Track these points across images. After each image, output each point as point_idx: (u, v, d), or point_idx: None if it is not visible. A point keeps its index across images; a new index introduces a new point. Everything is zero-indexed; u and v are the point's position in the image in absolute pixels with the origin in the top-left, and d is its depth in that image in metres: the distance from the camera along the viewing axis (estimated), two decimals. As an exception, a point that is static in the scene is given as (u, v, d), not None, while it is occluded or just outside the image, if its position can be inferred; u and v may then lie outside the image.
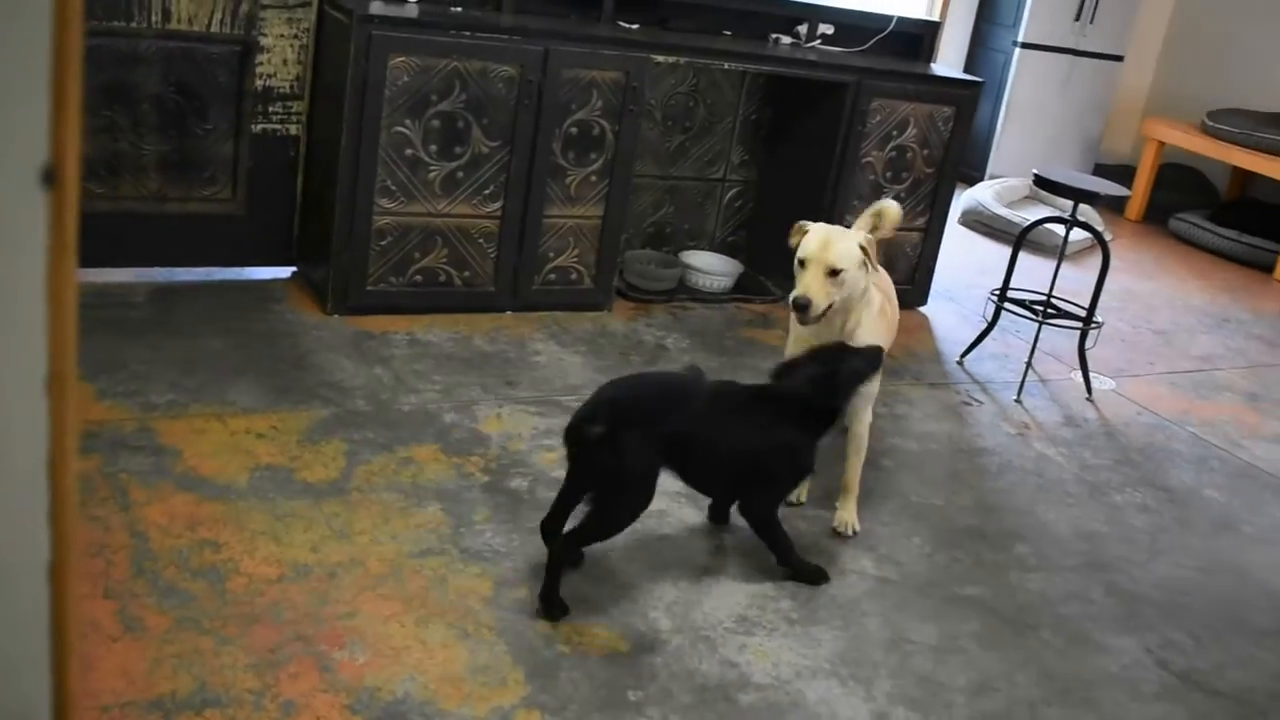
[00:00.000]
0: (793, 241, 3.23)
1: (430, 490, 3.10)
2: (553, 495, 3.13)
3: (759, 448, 2.90)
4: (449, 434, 3.40)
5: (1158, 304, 6.00)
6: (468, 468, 3.24)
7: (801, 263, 3.15)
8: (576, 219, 4.29)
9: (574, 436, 2.73)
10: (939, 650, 2.83)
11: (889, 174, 4.85)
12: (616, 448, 2.66)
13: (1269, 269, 6.98)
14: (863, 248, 3.15)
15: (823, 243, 3.13)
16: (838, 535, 3.25)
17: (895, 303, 3.49)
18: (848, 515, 3.28)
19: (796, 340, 3.29)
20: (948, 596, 3.06)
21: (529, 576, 2.80)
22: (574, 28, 4.25)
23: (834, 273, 3.10)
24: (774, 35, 4.79)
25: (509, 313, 4.29)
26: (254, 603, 2.55)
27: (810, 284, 3.10)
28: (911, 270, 5.08)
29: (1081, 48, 7.84)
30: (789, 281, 4.85)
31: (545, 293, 4.34)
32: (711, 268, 4.88)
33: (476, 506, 3.06)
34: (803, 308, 3.10)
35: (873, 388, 3.23)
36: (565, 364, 3.98)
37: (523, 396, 3.70)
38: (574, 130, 4.17)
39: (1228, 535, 3.68)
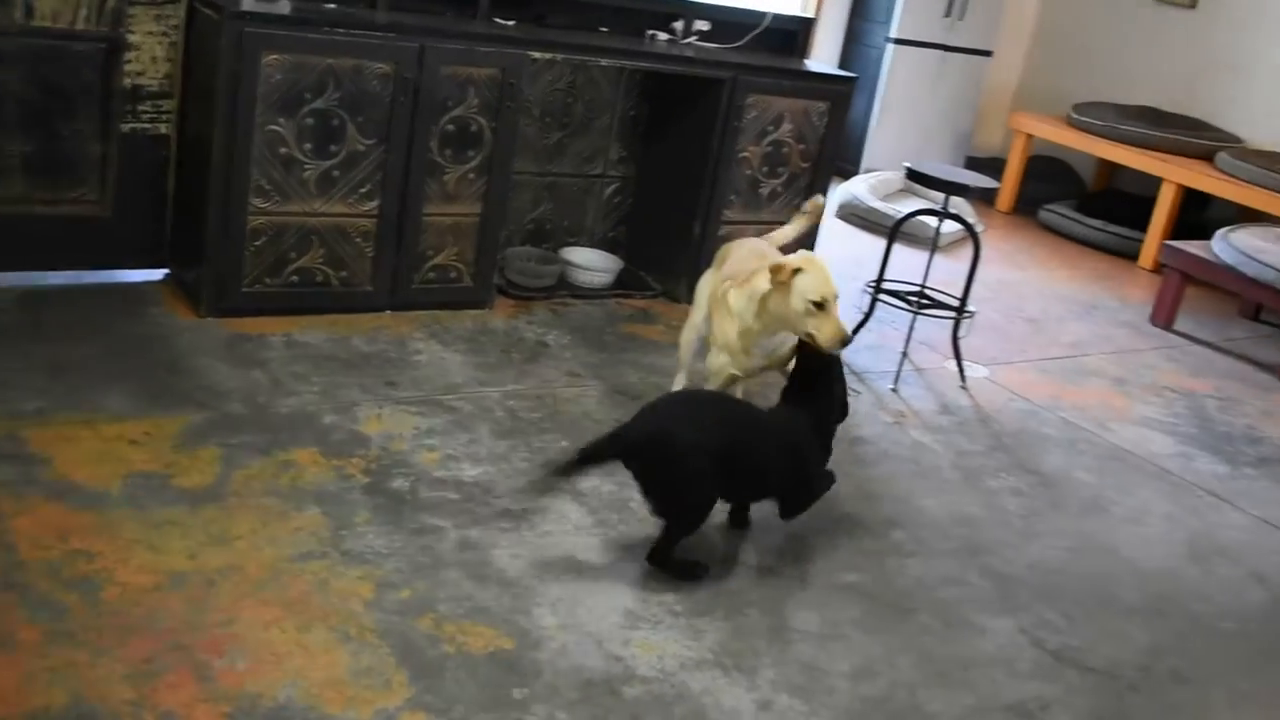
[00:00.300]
0: (776, 279, 3.26)
1: (310, 493, 3.06)
2: (436, 495, 3.14)
3: (794, 456, 3.12)
4: (328, 436, 3.36)
5: (1028, 293, 6.15)
6: (348, 469, 3.21)
7: (820, 304, 3.21)
8: (455, 217, 4.27)
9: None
10: (821, 637, 2.87)
11: (765, 169, 4.90)
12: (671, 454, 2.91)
13: (1134, 257, 7.20)
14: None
15: (827, 278, 3.23)
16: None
17: None
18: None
19: (741, 335, 3.40)
20: (828, 584, 3.11)
21: (411, 577, 2.79)
22: (450, 24, 4.22)
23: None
24: (650, 31, 4.81)
25: (388, 312, 4.25)
26: (130, 613, 2.50)
27: (839, 319, 3.22)
28: (790, 263, 5.13)
29: (952, 43, 8.00)
30: (668, 276, 4.92)
31: (425, 291, 4.31)
32: (592, 264, 4.89)
33: (357, 508, 3.04)
34: (848, 343, 3.27)
35: None
36: (446, 363, 3.96)
37: (404, 396, 3.68)
38: (451, 128, 4.14)
39: (1097, 516, 3.79)
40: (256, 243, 3.93)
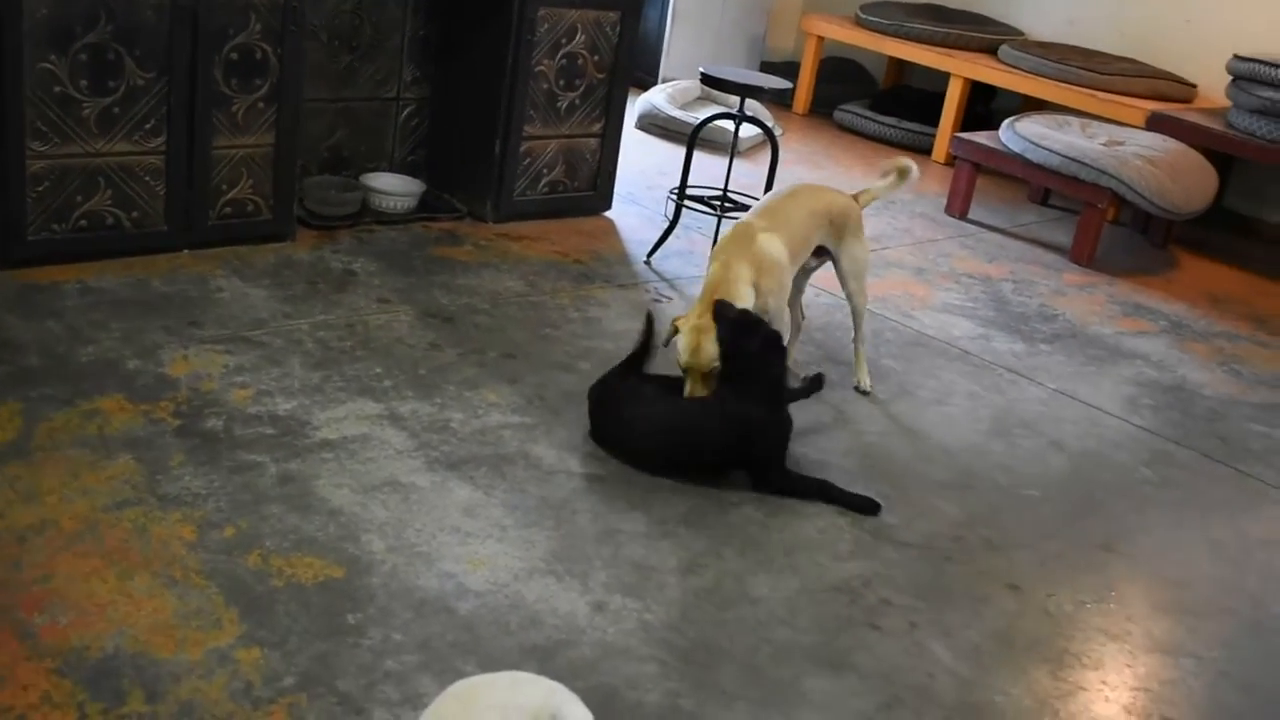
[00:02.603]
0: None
1: (119, 441, 2.97)
2: (251, 432, 3.08)
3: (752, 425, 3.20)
4: (134, 381, 3.26)
5: (828, 192, 6.27)
6: (157, 414, 3.12)
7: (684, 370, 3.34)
8: (247, 148, 4.14)
9: None
10: (648, 536, 2.93)
11: (562, 82, 4.88)
12: None
13: (927, 151, 7.41)
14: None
15: (694, 349, 3.27)
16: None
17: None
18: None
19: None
20: (653, 486, 3.16)
21: (233, 516, 2.74)
22: (224, -52, 4.07)
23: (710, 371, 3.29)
24: (435, -52, 4.72)
25: (186, 251, 4.12)
26: (-65, 577, 2.40)
27: (694, 387, 3.32)
28: (593, 176, 5.15)
29: (739, -52, 8.04)
30: (472, 197, 4.88)
31: (222, 228, 4.18)
32: (393, 188, 4.81)
33: (171, 451, 2.96)
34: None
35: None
36: (251, 298, 3.87)
37: (209, 335, 3.58)
38: (234, 56, 4.01)
39: (905, 400, 3.93)
40: (38, 188, 3.75)
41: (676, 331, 3.34)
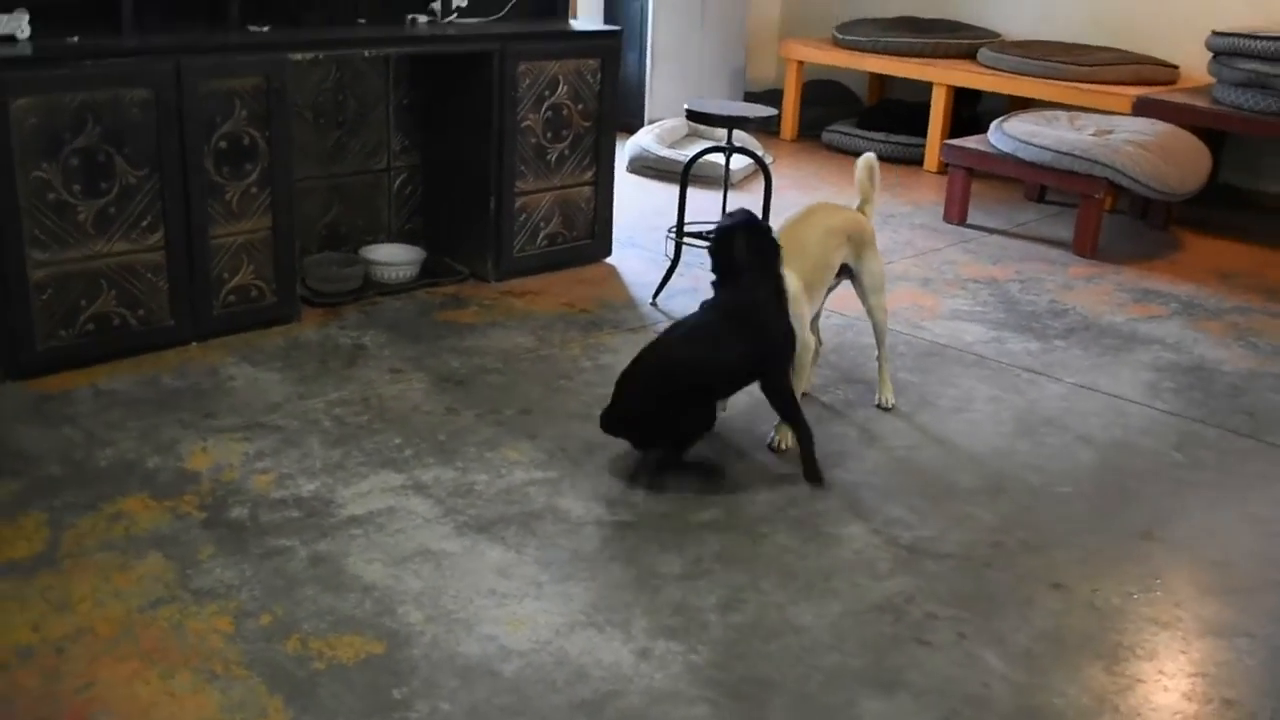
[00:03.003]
0: None
1: (147, 540, 2.97)
2: (277, 517, 3.07)
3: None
4: (155, 479, 3.26)
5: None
6: (182, 508, 3.12)
7: None
8: (245, 234, 4.16)
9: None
10: (685, 577, 2.91)
11: (549, 134, 4.90)
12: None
13: (919, 162, 7.41)
14: None
15: None
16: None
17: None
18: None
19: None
20: (683, 526, 3.14)
21: (268, 602, 2.73)
22: (202, 39, 4.09)
23: None
24: (410, 16, 4.74)
25: (194, 344, 4.13)
26: (-22, 697, 2.39)
27: None
28: (590, 224, 5.15)
29: (709, -17, 8.09)
30: (473, 257, 4.89)
31: (228, 316, 4.20)
32: (394, 258, 4.83)
33: (199, 545, 2.95)
34: None
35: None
36: (262, 383, 3.87)
37: (226, 425, 3.58)
38: (223, 144, 4.03)
39: (927, 411, 3.91)
40: (43, 296, 3.77)
41: None
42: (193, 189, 3.98)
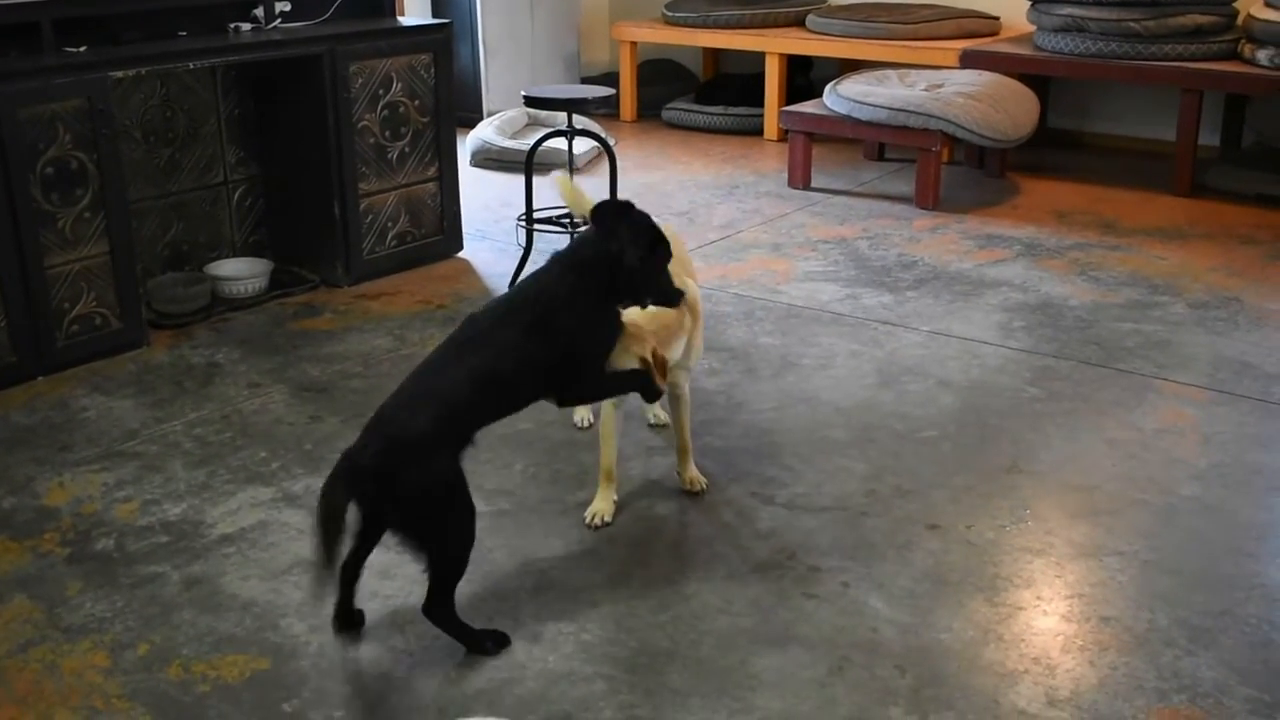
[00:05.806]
0: None
1: (10, 582, 2.86)
2: (145, 544, 2.99)
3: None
4: (12, 519, 3.14)
5: (672, 189, 6.31)
6: (43, 546, 3.01)
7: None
8: (82, 261, 4.02)
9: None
10: (569, 558, 2.90)
11: (388, 133, 4.83)
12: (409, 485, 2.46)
13: (759, 132, 7.48)
14: None
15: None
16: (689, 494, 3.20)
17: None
18: (692, 472, 3.23)
19: None
20: (562, 509, 3.13)
21: (144, 632, 2.65)
22: (15, 64, 3.93)
23: None
24: (233, 24, 4.63)
25: (40, 378, 3.98)
26: None
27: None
28: (439, 220, 5.10)
29: (534, -29, 8.06)
30: (321, 264, 4.80)
31: (73, 346, 4.05)
32: (240, 273, 4.72)
33: (65, 581, 2.85)
34: None
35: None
36: (117, 411, 3.75)
37: (82, 457, 3.47)
38: (50, 170, 3.89)
39: (790, 372, 3.96)
40: None
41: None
42: (21, 219, 3.83)
